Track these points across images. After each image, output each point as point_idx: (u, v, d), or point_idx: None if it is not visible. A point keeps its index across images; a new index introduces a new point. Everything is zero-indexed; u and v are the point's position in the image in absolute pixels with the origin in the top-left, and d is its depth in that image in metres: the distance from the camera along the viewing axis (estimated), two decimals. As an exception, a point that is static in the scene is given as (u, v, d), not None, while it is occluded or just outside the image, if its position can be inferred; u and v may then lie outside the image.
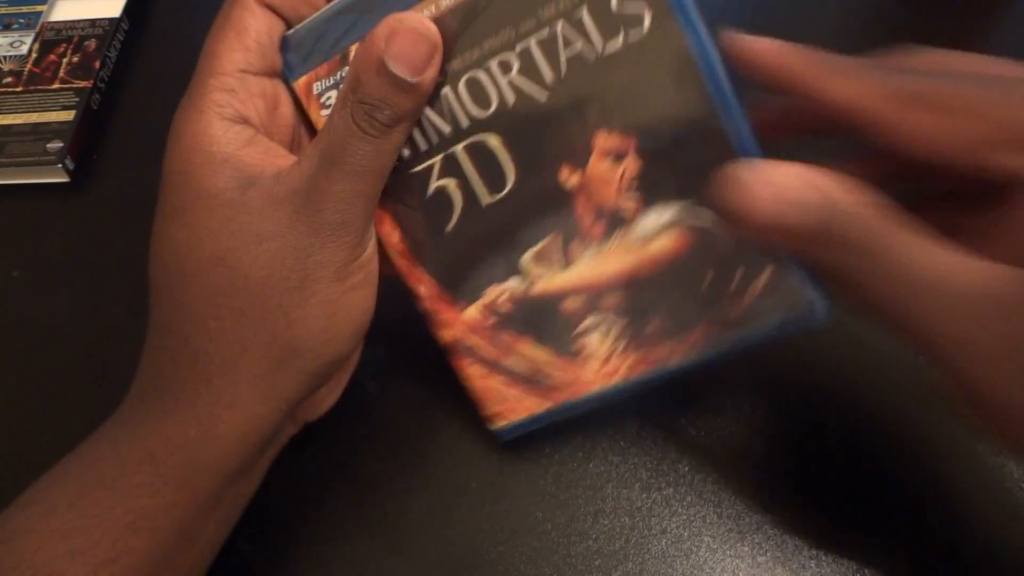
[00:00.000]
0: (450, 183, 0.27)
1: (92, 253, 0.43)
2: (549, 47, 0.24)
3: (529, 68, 0.25)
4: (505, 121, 0.26)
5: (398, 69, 0.23)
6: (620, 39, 0.24)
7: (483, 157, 0.26)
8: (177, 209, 0.25)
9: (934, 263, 0.20)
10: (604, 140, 0.25)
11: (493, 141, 0.26)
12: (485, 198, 0.27)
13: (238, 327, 0.25)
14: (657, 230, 0.26)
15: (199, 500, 0.27)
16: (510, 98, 0.25)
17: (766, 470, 0.33)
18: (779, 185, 0.22)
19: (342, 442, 0.35)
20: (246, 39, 0.25)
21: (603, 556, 0.32)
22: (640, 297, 0.27)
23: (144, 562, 0.26)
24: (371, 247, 0.27)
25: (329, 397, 0.32)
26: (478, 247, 0.28)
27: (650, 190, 0.26)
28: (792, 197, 0.21)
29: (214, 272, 0.25)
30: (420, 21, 0.24)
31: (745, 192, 0.22)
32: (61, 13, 0.52)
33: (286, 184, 0.25)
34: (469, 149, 0.26)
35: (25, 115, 0.47)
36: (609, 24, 0.24)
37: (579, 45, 0.24)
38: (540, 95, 0.25)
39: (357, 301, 0.27)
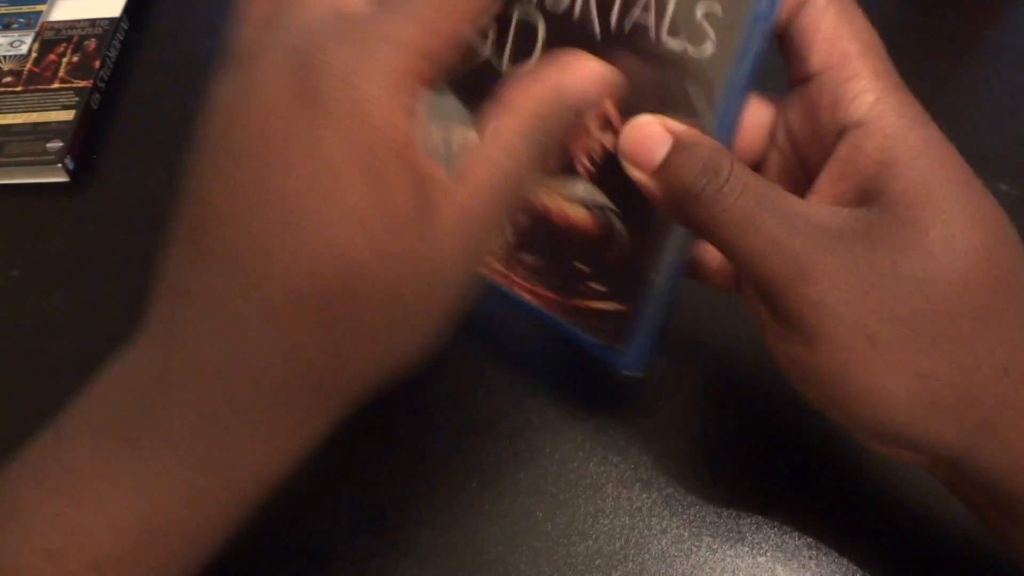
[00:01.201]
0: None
1: (92, 253, 0.43)
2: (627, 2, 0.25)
3: (604, 7, 0.25)
4: (556, 24, 0.26)
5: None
6: (678, 43, 0.25)
7: (525, 32, 0.27)
8: (356, 219, 0.21)
9: (780, 194, 0.23)
10: (609, 107, 0.26)
11: (540, 29, 0.27)
12: (503, 67, 0.27)
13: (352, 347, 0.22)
14: (580, 200, 0.28)
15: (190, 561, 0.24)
16: (578, 10, 0.26)
17: (766, 470, 0.33)
18: (675, 133, 0.24)
19: (342, 442, 0.35)
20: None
21: (603, 556, 0.32)
22: (537, 234, 0.29)
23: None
24: None
25: None
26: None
27: (602, 171, 0.27)
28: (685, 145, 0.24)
29: (373, 310, 0.22)
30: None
31: (642, 137, 0.25)
32: (61, 13, 0.52)
33: (467, 205, 0.22)
34: (518, 24, 0.27)
35: (25, 115, 0.47)
36: (681, 24, 0.24)
37: (650, 20, 0.25)
38: (596, 34, 0.26)
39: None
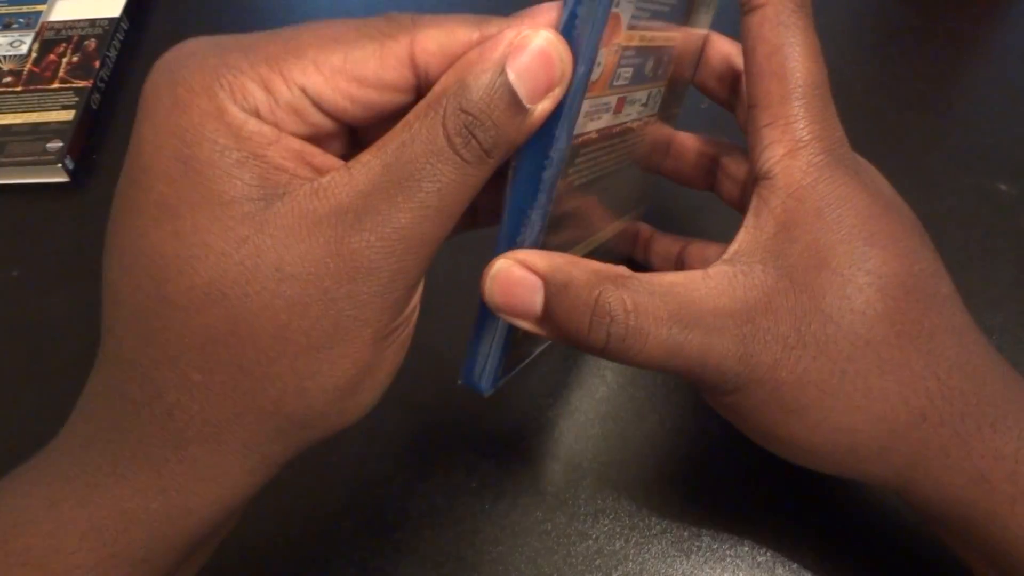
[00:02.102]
0: None
1: (92, 253, 0.43)
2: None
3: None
4: None
5: (520, 87, 0.19)
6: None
7: None
8: (169, 210, 0.18)
9: (681, 298, 0.22)
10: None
11: None
12: None
13: (232, 387, 0.19)
14: None
15: None
16: None
17: (766, 470, 0.33)
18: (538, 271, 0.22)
19: (342, 442, 0.35)
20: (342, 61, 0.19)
21: (603, 556, 0.32)
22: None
23: None
24: (418, 295, 0.22)
25: None
26: None
27: None
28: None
29: (210, 310, 0.18)
30: (555, 43, 0.19)
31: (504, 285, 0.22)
32: (61, 13, 0.52)
33: (328, 200, 0.18)
34: None
35: (25, 115, 0.47)
36: None
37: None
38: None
39: (389, 363, 0.22)
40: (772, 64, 0.24)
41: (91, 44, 0.50)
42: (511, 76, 0.19)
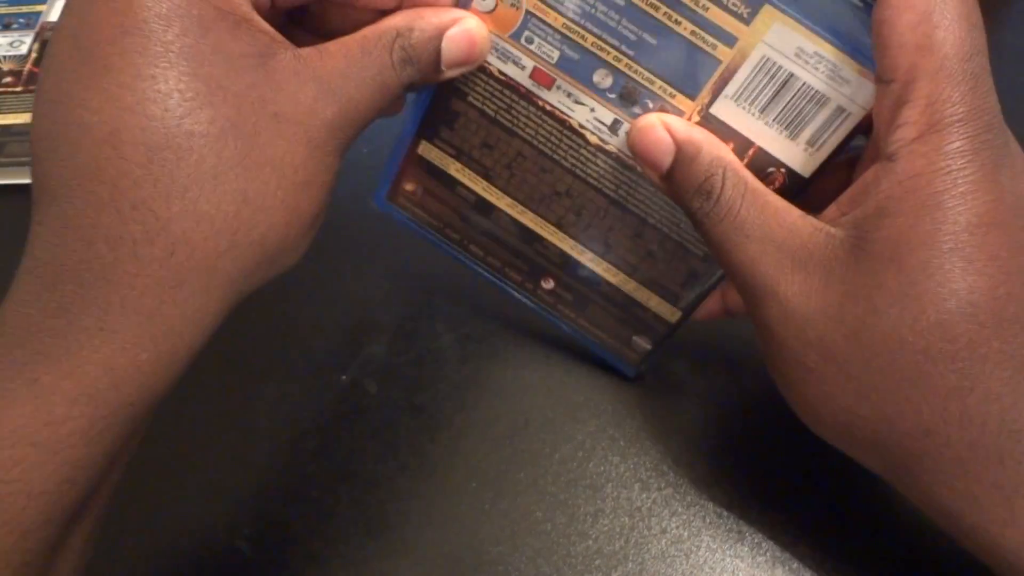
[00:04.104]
0: None
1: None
2: None
3: None
4: None
5: (445, 55, 0.25)
6: None
7: None
8: (173, 50, 0.20)
9: (764, 216, 0.24)
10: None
11: None
12: None
13: (235, 216, 0.21)
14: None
15: (137, 434, 0.22)
16: None
17: (766, 470, 0.33)
18: (675, 131, 0.25)
19: (342, 442, 0.35)
20: None
21: (603, 556, 0.32)
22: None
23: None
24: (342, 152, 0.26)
25: None
26: None
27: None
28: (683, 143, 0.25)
29: (226, 143, 0.21)
30: (482, 31, 0.26)
31: (650, 135, 0.26)
32: (61, 13, 0.52)
33: (309, 68, 0.23)
34: None
35: (25, 115, 0.47)
36: None
37: None
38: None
39: (324, 197, 0.25)
40: (918, 35, 0.21)
41: (91, 44, 0.50)
42: (443, 43, 0.25)
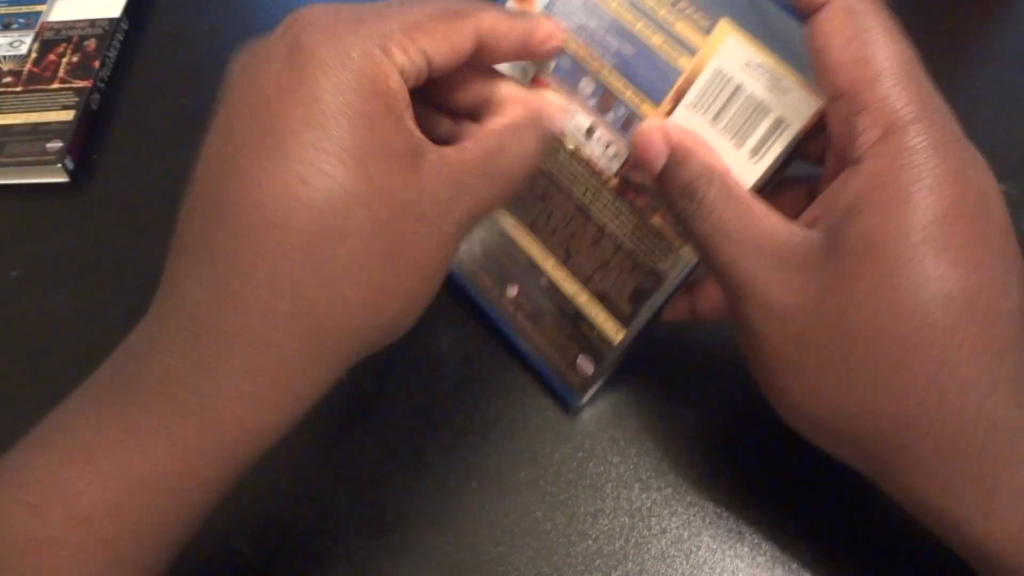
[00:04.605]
0: None
1: (92, 253, 0.43)
2: None
3: None
4: None
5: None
6: None
7: None
8: (345, 148, 0.22)
9: (744, 218, 0.25)
10: None
11: None
12: None
13: (365, 304, 0.23)
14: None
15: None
16: None
17: (766, 471, 0.33)
18: (670, 136, 0.26)
19: (342, 442, 0.35)
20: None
21: (603, 556, 0.32)
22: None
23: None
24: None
25: None
26: None
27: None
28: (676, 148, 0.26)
29: (375, 238, 0.22)
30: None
31: (647, 140, 0.27)
32: (61, 13, 0.52)
33: (451, 167, 0.24)
34: None
35: (25, 115, 0.47)
36: None
37: None
38: None
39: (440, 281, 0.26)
40: (852, 51, 0.23)
41: (91, 44, 0.50)
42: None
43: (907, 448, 0.23)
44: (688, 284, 0.31)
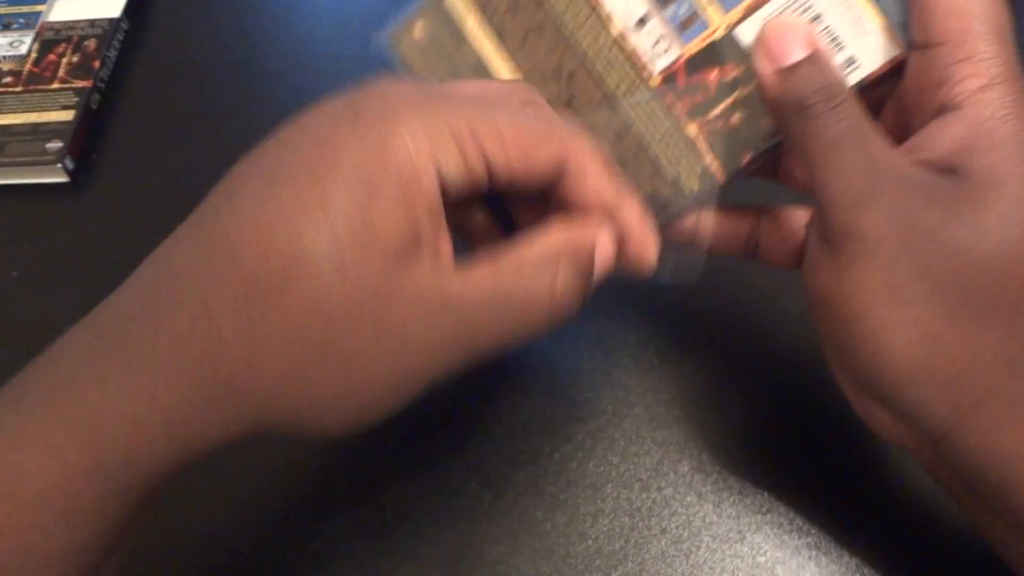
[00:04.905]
0: None
1: (92, 253, 0.43)
2: None
3: None
4: None
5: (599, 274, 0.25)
6: None
7: None
8: (336, 230, 0.20)
9: (867, 137, 0.24)
10: None
11: None
12: None
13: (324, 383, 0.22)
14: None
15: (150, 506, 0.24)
16: None
17: (765, 471, 0.33)
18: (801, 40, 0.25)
19: (342, 442, 0.35)
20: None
21: (603, 556, 0.32)
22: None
23: None
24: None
25: None
26: None
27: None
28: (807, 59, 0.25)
29: (305, 323, 0.21)
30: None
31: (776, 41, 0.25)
32: (61, 13, 0.52)
33: (442, 294, 0.22)
34: None
35: (25, 115, 0.47)
36: None
37: None
38: None
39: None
40: (960, 2, 0.23)
41: (91, 44, 0.50)
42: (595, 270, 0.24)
43: (1003, 390, 0.23)
44: (755, 213, 0.29)
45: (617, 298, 0.37)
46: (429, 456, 0.34)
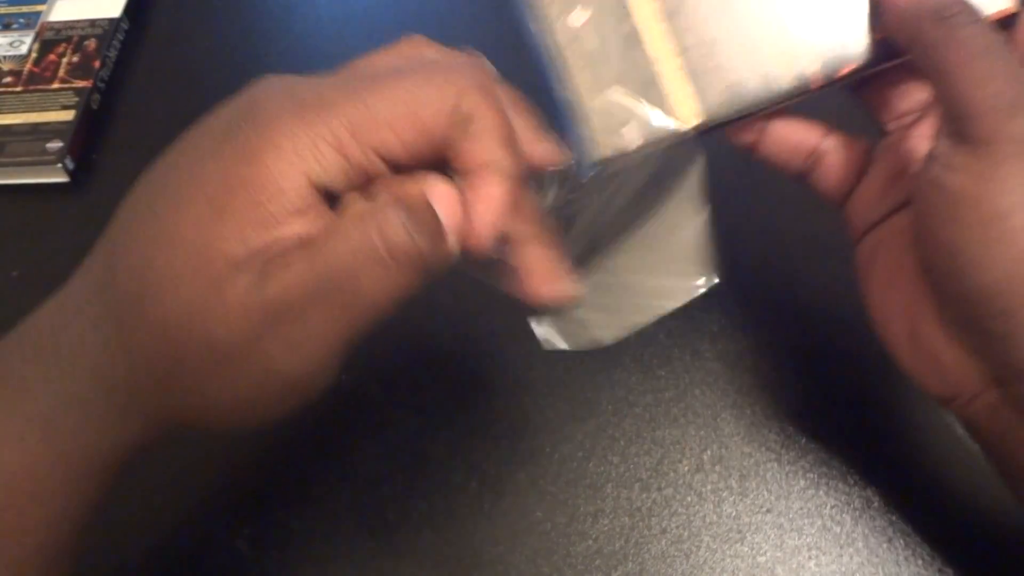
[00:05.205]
0: None
1: (92, 253, 0.43)
2: None
3: None
4: None
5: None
6: None
7: None
8: (182, 220, 0.22)
9: (1000, 55, 0.24)
10: None
11: None
12: None
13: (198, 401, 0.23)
14: None
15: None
16: None
17: (766, 471, 0.33)
18: None
19: (342, 442, 0.35)
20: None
21: (603, 556, 0.32)
22: None
23: None
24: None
25: None
26: None
27: None
28: None
29: (261, 380, 0.22)
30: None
31: None
32: (61, 13, 0.52)
33: (263, 293, 0.21)
34: None
35: (25, 115, 0.47)
36: None
37: None
38: None
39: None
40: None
41: (91, 44, 0.50)
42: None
43: None
44: (823, 131, 0.28)
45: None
46: (429, 456, 0.34)
